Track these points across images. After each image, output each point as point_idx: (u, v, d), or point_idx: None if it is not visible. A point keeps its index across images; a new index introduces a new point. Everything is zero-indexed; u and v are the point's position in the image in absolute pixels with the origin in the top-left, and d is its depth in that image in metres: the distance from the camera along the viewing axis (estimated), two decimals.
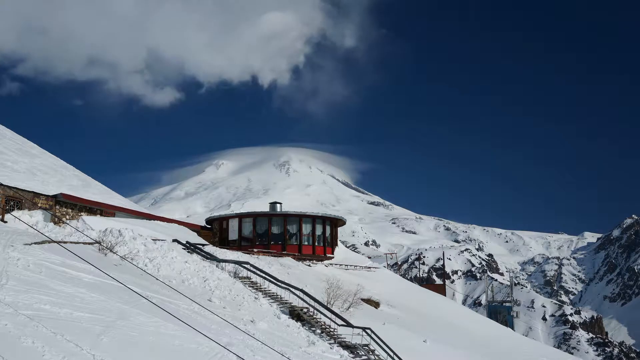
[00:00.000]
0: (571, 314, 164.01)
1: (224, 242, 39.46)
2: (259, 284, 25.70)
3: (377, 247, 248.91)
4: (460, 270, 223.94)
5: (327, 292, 27.66)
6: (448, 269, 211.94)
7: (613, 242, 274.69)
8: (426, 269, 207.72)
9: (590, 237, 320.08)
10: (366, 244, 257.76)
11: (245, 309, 21.60)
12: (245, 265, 26.75)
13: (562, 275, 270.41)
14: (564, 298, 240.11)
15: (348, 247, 64.76)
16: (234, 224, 40.24)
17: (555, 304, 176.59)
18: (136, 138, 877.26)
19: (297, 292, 24.83)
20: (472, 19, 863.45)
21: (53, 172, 34.45)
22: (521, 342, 42.52)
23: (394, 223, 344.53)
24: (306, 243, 39.98)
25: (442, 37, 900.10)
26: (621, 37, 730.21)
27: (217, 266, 26.38)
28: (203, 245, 31.92)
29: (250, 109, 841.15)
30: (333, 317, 23.84)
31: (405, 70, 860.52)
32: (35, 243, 19.56)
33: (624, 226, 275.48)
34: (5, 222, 24.72)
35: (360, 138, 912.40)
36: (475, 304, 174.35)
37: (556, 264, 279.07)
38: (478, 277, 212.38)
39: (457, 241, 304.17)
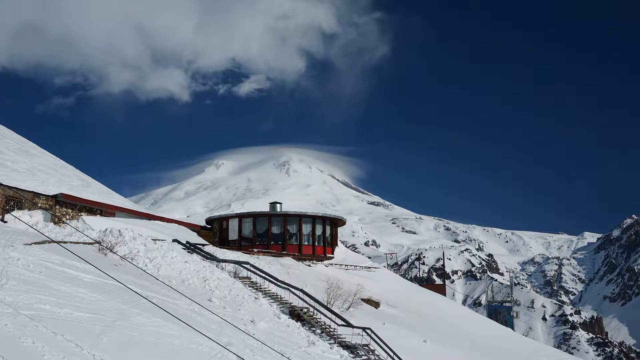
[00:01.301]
0: (571, 314, 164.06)
1: (224, 242, 39.47)
2: (259, 284, 25.70)
3: (377, 247, 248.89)
4: (460, 270, 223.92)
5: (327, 292, 27.67)
6: (448, 269, 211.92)
7: (613, 242, 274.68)
8: (426, 269, 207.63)
9: (590, 237, 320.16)
10: (366, 244, 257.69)
11: (245, 309, 21.60)
12: (245, 265, 26.75)
13: (562, 275, 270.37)
14: (564, 298, 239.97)
15: (348, 247, 64.75)
16: (234, 224, 40.24)
17: (555, 304, 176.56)
18: (136, 138, 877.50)
19: (297, 292, 24.84)
20: (472, 18, 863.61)
21: (53, 172, 34.45)
22: (521, 342, 42.53)
23: (394, 223, 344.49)
24: (306, 243, 39.98)
25: (442, 38, 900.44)
26: (622, 37, 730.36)
27: (217, 266, 26.38)
28: (203, 245, 31.91)
29: (250, 109, 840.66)
30: (333, 317, 23.85)
31: (406, 71, 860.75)
32: (35, 243, 19.55)
33: (624, 226, 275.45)
34: (5, 222, 24.71)
35: (361, 138, 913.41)
36: (475, 304, 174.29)
37: (556, 264, 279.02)
38: (478, 277, 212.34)
39: (457, 241, 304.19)
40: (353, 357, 21.49)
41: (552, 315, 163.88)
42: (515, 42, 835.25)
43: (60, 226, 26.26)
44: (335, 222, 43.33)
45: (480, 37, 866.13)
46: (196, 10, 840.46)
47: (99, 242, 22.35)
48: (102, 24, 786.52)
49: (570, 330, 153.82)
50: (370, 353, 22.41)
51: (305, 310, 23.80)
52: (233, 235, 39.91)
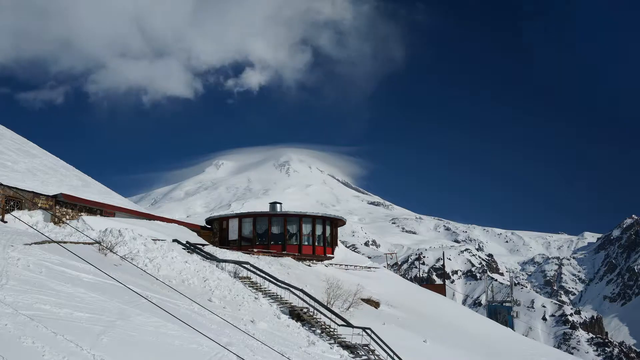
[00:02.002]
0: (571, 314, 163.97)
1: (224, 242, 39.47)
2: (259, 284, 25.71)
3: (377, 247, 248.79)
4: (460, 270, 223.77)
5: (327, 292, 27.68)
6: (448, 269, 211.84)
7: (613, 242, 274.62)
8: (426, 269, 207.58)
9: (590, 237, 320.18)
10: (366, 244, 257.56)
11: (245, 309, 21.61)
12: (245, 265, 26.75)
13: (562, 275, 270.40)
14: (564, 298, 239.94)
15: (348, 247, 64.76)
16: (234, 224, 40.25)
17: (555, 304, 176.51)
18: (136, 138, 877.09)
19: (297, 292, 24.84)
20: (471, 18, 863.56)
21: (53, 172, 34.46)
22: (521, 342, 42.54)
23: (394, 223, 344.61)
24: (306, 243, 39.99)
25: (441, 38, 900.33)
26: (622, 36, 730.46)
27: (217, 266, 26.38)
28: (203, 245, 31.92)
29: (250, 109, 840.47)
30: (333, 317, 23.85)
31: (405, 71, 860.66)
32: (35, 243, 19.55)
33: (624, 226, 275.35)
34: (5, 222, 24.72)
35: (361, 138, 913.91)
36: (475, 304, 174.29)
37: (556, 264, 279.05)
38: (478, 277, 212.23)
39: (457, 241, 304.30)
40: (353, 357, 21.50)
41: (552, 315, 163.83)
42: (516, 42, 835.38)
43: (60, 226, 26.26)
44: (335, 222, 43.34)
45: (479, 36, 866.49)
46: (196, 8, 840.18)
47: (99, 242, 22.35)
48: (101, 23, 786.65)
49: (570, 330, 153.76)
50: (370, 353, 22.42)
51: (305, 310, 23.80)
52: (233, 235, 39.91)
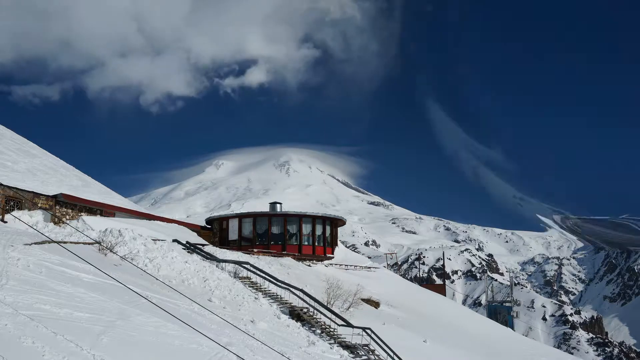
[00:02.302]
0: (571, 314, 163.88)
1: (224, 242, 39.47)
2: (259, 284, 25.71)
3: (377, 247, 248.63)
4: (460, 270, 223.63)
5: (327, 292, 27.68)
6: (448, 269, 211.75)
7: None
8: (426, 269, 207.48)
9: None
10: (366, 244, 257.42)
11: (245, 309, 21.61)
12: (245, 265, 26.75)
13: (562, 275, 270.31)
14: (564, 298, 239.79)
15: (348, 247, 64.75)
16: (234, 224, 40.25)
17: (555, 304, 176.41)
18: (136, 138, 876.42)
19: (297, 292, 24.84)
20: (472, 19, 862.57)
21: (53, 172, 34.46)
22: (521, 342, 42.54)
23: (394, 223, 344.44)
24: (306, 243, 39.98)
25: (440, 37, 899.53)
26: (622, 36, 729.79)
27: (217, 266, 26.38)
28: (203, 245, 31.92)
29: (250, 108, 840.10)
30: (333, 317, 23.85)
31: (405, 71, 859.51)
32: (35, 243, 19.55)
33: None
34: (5, 222, 24.72)
35: (361, 138, 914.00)
36: (475, 304, 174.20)
37: (556, 264, 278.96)
38: (478, 277, 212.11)
39: (457, 241, 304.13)
40: (353, 357, 21.50)
41: (552, 315, 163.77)
42: (515, 41, 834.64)
43: (60, 226, 26.25)
44: (335, 222, 43.33)
45: (478, 35, 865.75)
46: (195, 7, 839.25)
47: (99, 242, 22.34)
48: (100, 22, 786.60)
49: (570, 330, 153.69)
50: (370, 353, 22.41)
51: (305, 310, 23.80)
52: (233, 235, 39.91)
